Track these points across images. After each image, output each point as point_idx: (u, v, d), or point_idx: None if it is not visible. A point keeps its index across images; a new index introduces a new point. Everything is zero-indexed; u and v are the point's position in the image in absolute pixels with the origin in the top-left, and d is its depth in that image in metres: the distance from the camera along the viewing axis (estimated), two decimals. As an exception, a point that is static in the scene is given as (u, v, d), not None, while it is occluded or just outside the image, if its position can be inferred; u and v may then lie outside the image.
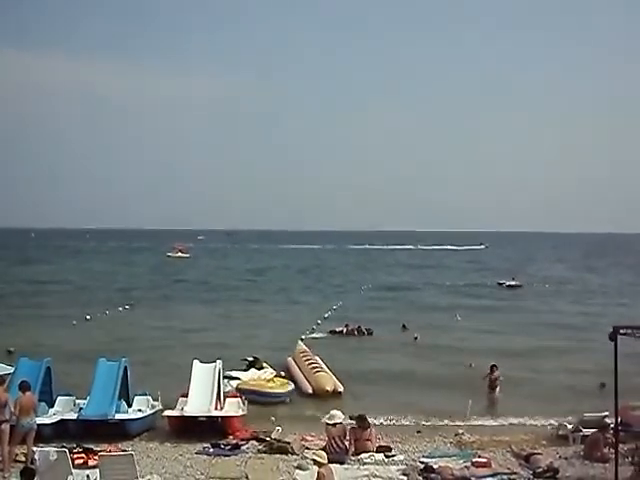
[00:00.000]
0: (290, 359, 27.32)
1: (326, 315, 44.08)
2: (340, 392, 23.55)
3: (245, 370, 25.16)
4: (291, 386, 23.72)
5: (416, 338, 35.32)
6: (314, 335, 36.90)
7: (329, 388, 23.49)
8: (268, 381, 23.93)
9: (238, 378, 23.57)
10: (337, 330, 37.40)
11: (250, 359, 26.50)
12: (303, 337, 34.32)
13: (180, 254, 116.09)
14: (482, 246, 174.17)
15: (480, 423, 20.42)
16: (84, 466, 14.98)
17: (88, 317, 41.51)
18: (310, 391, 23.66)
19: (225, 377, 21.27)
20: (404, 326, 39.18)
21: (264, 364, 25.86)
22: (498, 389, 22.79)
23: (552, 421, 19.99)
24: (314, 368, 25.07)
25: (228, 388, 21.28)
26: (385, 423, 20.10)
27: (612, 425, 16.62)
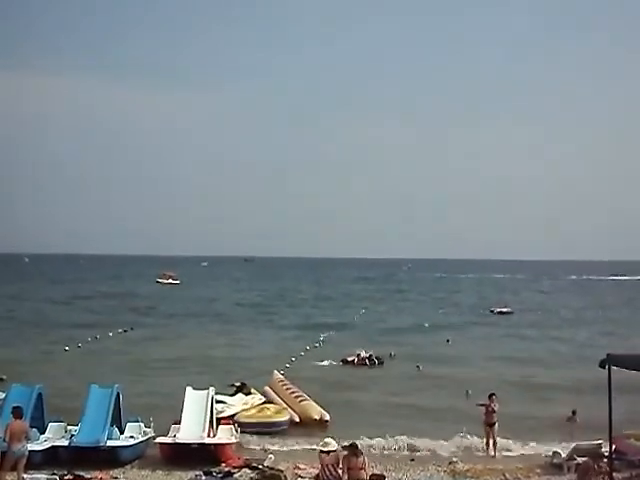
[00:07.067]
0: (267, 388, 26.59)
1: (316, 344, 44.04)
2: (327, 420, 23.37)
3: (232, 395, 24.98)
4: (287, 413, 23.52)
5: (418, 367, 35.78)
6: (324, 363, 37.02)
7: (316, 416, 23.34)
8: (261, 409, 23.63)
9: (224, 402, 23.24)
10: (349, 360, 37.45)
11: (237, 384, 26.46)
12: (288, 363, 34.36)
13: (170, 280, 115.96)
14: None
15: (474, 452, 20.31)
16: (74, 493, 14.92)
17: (79, 345, 41.29)
18: (297, 419, 23.40)
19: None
20: (391, 355, 39.43)
21: (252, 390, 25.71)
22: (497, 425, 20.31)
23: (546, 449, 19.88)
24: (297, 397, 24.88)
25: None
26: (378, 451, 19.99)
27: (606, 453, 16.66)
